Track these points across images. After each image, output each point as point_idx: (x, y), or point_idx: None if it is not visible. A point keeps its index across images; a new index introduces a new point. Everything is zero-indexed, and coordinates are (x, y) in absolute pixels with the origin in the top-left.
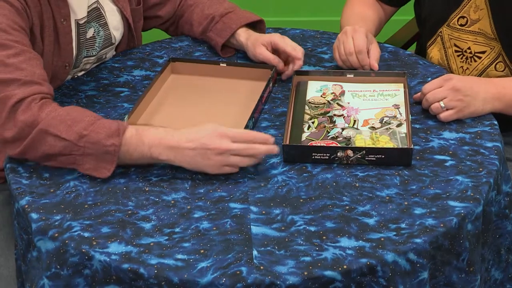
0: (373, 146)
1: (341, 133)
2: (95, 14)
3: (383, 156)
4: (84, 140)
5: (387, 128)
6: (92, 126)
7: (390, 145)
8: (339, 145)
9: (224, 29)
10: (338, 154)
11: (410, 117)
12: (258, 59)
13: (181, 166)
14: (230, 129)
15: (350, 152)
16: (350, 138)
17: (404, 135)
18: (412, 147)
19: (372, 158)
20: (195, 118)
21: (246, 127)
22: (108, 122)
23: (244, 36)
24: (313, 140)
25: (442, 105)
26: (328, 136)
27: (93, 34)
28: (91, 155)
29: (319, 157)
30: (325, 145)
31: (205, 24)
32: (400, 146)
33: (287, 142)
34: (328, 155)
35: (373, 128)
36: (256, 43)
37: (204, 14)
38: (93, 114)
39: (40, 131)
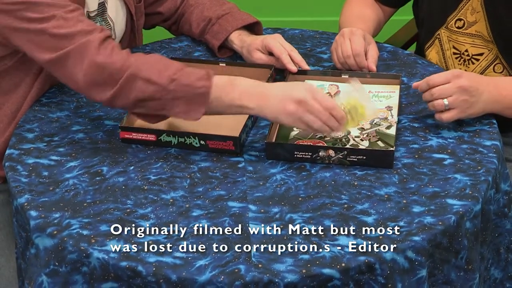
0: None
1: (330, 133)
2: (101, 9)
3: (365, 157)
4: (175, 84)
5: (376, 130)
6: (181, 72)
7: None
8: (325, 144)
9: (220, 32)
10: (320, 153)
11: (396, 119)
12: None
13: (265, 117)
14: (318, 91)
15: (331, 152)
16: (338, 138)
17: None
18: (394, 149)
19: (354, 159)
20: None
21: (245, 126)
22: (196, 69)
23: (238, 43)
24: (300, 139)
25: (446, 102)
26: (316, 135)
27: None
28: (181, 98)
29: (301, 156)
30: (311, 144)
31: (203, 26)
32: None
33: (273, 140)
34: (310, 154)
35: (362, 129)
36: (250, 49)
37: (203, 15)
38: (179, 62)
39: (130, 76)
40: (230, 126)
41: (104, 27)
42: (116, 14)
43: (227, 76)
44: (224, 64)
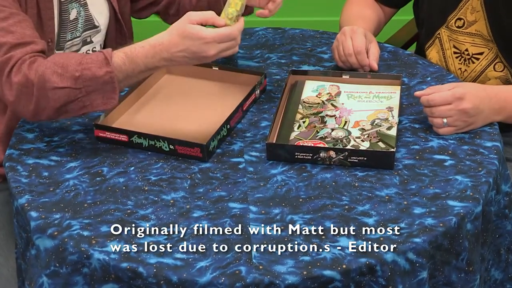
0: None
1: (330, 134)
2: None
3: (366, 158)
4: (81, 81)
5: (376, 131)
6: (81, 66)
7: None
8: (326, 145)
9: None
10: (321, 154)
11: (397, 120)
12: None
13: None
14: (210, 33)
15: (332, 153)
16: (339, 138)
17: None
18: (394, 150)
19: (355, 160)
20: (177, 119)
21: (216, 134)
22: (94, 55)
23: None
24: (301, 140)
25: (445, 121)
26: (317, 136)
27: (76, 16)
28: (94, 91)
29: (302, 156)
30: (312, 145)
31: None
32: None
33: (273, 141)
34: (311, 155)
35: (363, 129)
36: None
37: None
38: (76, 54)
39: (38, 89)
40: (208, 130)
41: (37, 39)
42: (97, 2)
43: (123, 52)
44: (217, 68)
